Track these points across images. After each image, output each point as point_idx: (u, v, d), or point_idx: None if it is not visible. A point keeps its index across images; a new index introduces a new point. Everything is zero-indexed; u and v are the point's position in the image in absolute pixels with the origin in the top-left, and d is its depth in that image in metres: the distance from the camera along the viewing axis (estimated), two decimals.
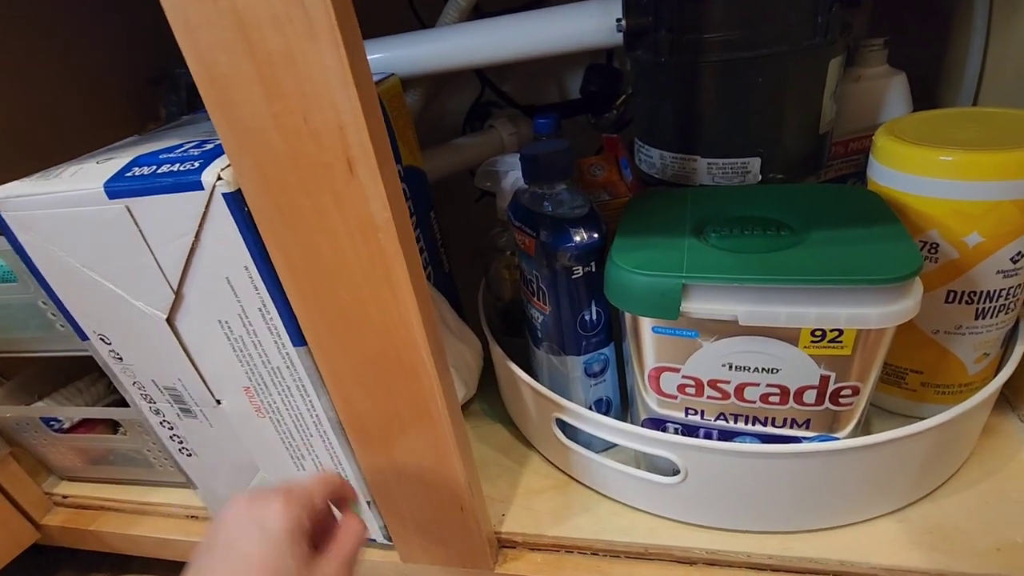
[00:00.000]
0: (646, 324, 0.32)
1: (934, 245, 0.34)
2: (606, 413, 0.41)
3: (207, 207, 0.26)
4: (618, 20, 0.40)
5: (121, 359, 0.35)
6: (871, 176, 0.37)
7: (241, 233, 0.27)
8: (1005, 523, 0.34)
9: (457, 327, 0.47)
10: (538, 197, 0.36)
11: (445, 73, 0.50)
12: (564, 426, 0.40)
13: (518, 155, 0.41)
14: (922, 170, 0.33)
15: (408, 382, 0.30)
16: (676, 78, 0.39)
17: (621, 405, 0.41)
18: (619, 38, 0.41)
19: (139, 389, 0.36)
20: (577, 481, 0.42)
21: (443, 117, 0.72)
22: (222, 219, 0.27)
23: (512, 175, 0.45)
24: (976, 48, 0.45)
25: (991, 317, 0.35)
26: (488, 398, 0.50)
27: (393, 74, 0.43)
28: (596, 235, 0.34)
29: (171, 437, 0.39)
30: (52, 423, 0.47)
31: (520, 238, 0.37)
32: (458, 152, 0.58)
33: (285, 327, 0.30)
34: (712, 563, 0.36)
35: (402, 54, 0.47)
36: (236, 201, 0.26)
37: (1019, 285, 0.34)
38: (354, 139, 0.23)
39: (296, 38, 0.21)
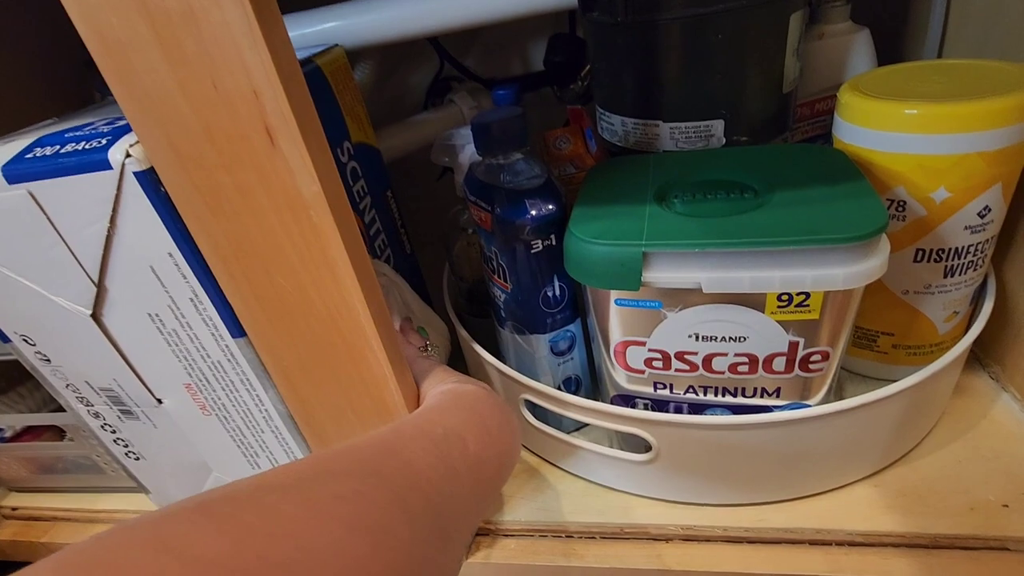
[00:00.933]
0: (609, 297, 0.30)
1: (901, 203, 0.33)
2: (575, 392, 0.39)
3: (119, 188, 0.24)
4: None
5: (49, 360, 0.32)
6: (836, 134, 0.35)
7: (160, 216, 0.24)
8: (978, 482, 0.34)
9: (421, 311, 0.45)
10: (493, 169, 0.34)
11: (397, 45, 0.47)
12: (533, 407, 0.38)
13: None
14: (887, 125, 0.32)
15: (357, 369, 0.28)
16: (633, 39, 0.37)
17: (591, 384, 0.40)
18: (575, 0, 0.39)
19: (73, 392, 0.34)
20: (549, 463, 0.41)
21: (404, 95, 0.69)
22: (137, 201, 0.24)
23: (469, 148, 0.43)
24: (939, 0, 0.43)
25: (960, 274, 0.34)
26: None
27: (337, 45, 0.40)
28: (554, 206, 0.32)
29: (115, 441, 0.36)
30: None
31: (476, 213, 0.35)
32: (417, 129, 0.55)
33: (221, 318, 0.28)
34: (688, 538, 0.36)
35: (346, 24, 0.45)
36: (150, 181, 0.24)
37: (987, 240, 0.34)
38: (271, 106, 0.21)
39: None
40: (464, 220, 0.48)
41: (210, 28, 0.20)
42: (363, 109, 0.42)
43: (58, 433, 0.46)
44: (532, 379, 0.37)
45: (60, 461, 0.45)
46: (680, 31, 0.35)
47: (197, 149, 0.22)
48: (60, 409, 0.40)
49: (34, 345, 0.31)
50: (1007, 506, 0.33)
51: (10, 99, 0.52)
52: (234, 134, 0.22)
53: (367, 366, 0.28)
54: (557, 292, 0.35)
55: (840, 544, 0.33)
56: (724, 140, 0.38)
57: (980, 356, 0.42)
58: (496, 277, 0.36)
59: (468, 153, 0.43)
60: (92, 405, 0.34)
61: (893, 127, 0.32)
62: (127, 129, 0.24)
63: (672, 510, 0.36)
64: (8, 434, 0.45)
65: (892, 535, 0.33)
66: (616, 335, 0.31)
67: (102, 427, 0.36)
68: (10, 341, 0.32)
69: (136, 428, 0.35)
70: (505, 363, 0.38)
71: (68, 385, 0.33)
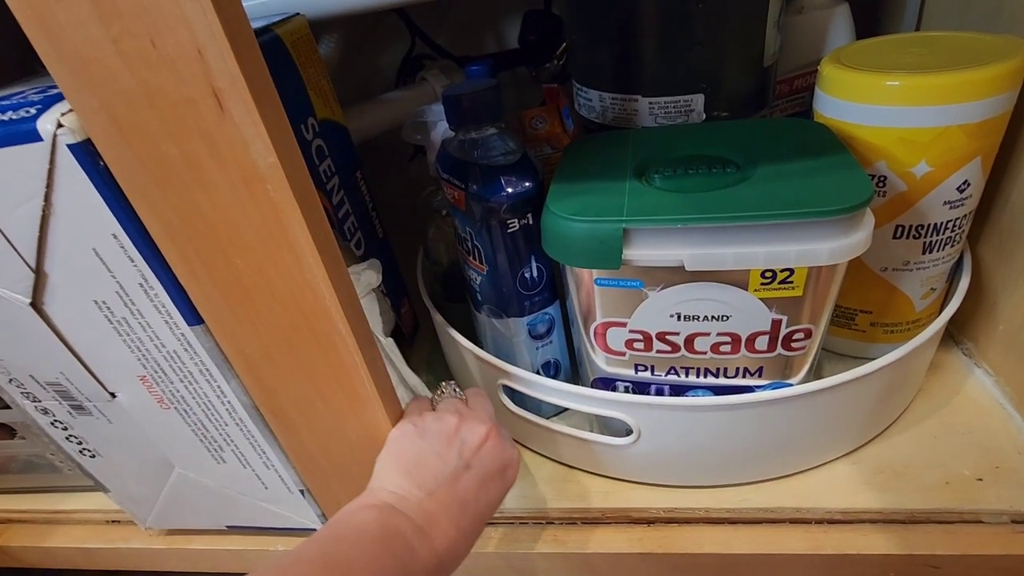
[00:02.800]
0: (588, 276, 0.29)
1: (882, 178, 0.33)
2: (555, 377, 0.38)
3: (51, 162, 0.22)
4: None
5: None
6: (817, 108, 0.35)
7: (100, 193, 0.22)
8: (953, 456, 0.34)
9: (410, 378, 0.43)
10: (467, 144, 0.32)
11: (365, 19, 0.45)
12: (512, 393, 0.37)
13: None
14: (868, 97, 0.31)
15: (325, 356, 0.27)
16: (611, 10, 0.36)
17: (571, 367, 0.39)
18: None
19: (18, 387, 0.31)
20: (530, 449, 0.40)
21: (374, 73, 0.67)
22: (73, 176, 0.22)
23: (442, 126, 0.41)
24: None
25: (938, 251, 0.34)
26: (436, 369, 0.47)
27: (298, 14, 0.38)
28: (530, 183, 0.31)
29: (68, 438, 0.34)
30: None
31: (449, 191, 0.33)
32: (387, 107, 0.53)
33: (175, 304, 0.26)
34: (670, 521, 0.35)
35: None
36: (87, 153, 0.21)
37: (965, 216, 0.34)
38: (218, 66, 0.19)
39: None
40: (438, 201, 0.47)
41: None
42: (329, 85, 0.40)
43: (8, 432, 0.43)
44: (510, 364, 0.36)
45: (12, 461, 0.43)
46: (659, 1, 0.34)
47: (138, 116, 0.20)
48: (6, 406, 0.38)
49: None
50: (981, 480, 0.33)
51: None
52: (178, 98, 0.20)
53: (335, 352, 0.27)
54: (535, 273, 0.34)
55: (820, 522, 0.33)
56: (704, 115, 0.37)
57: (953, 333, 0.42)
58: (471, 259, 0.35)
59: (441, 131, 0.41)
60: (39, 401, 0.32)
61: (875, 100, 0.31)
62: (60, 97, 0.22)
63: (654, 493, 0.36)
64: None
65: (870, 511, 0.33)
66: (596, 316, 0.30)
67: (52, 424, 0.33)
68: None
69: (89, 424, 0.33)
70: (482, 348, 0.37)
71: (11, 380, 0.31)
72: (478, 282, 0.36)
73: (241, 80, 0.19)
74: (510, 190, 0.30)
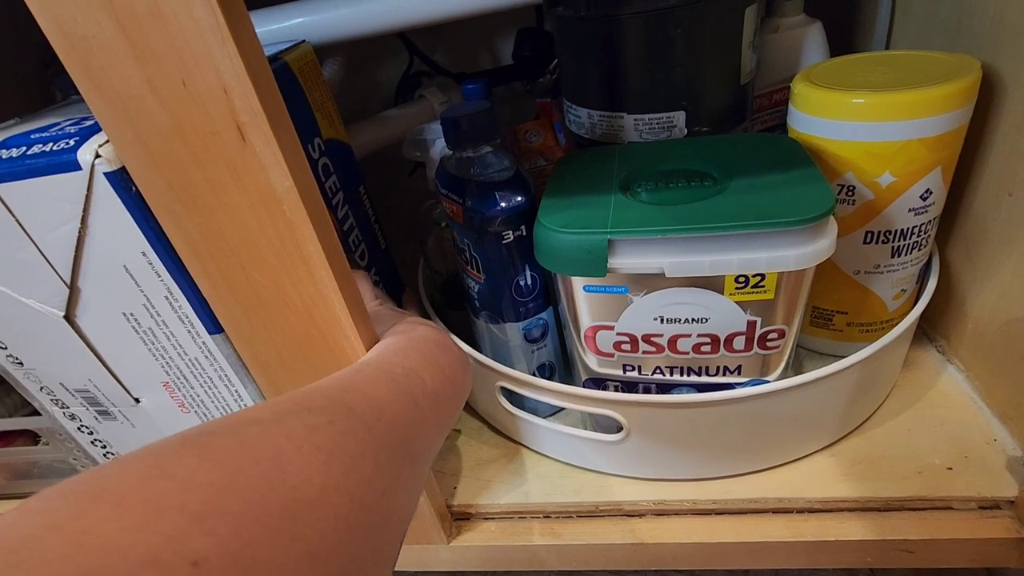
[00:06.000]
0: (577, 284, 0.31)
1: (851, 188, 0.35)
2: (550, 378, 0.40)
3: (89, 189, 0.24)
4: None
5: (22, 364, 0.32)
6: (790, 124, 0.37)
7: (132, 215, 0.25)
8: (925, 448, 0.37)
9: None
10: (464, 162, 0.34)
11: (365, 40, 0.47)
12: (510, 394, 0.39)
13: None
14: (836, 114, 0.34)
15: (336, 363, 0.29)
16: (597, 34, 0.38)
17: (564, 369, 0.42)
18: None
19: (48, 394, 0.34)
20: (526, 447, 0.42)
21: (373, 90, 0.69)
22: (108, 201, 0.24)
23: (440, 142, 0.44)
24: None
25: (906, 254, 0.37)
26: None
27: (304, 41, 0.41)
28: (523, 198, 0.33)
29: (93, 442, 0.36)
30: None
31: (448, 206, 0.36)
32: (387, 125, 0.56)
33: (197, 315, 0.28)
34: (660, 513, 0.37)
35: (313, 20, 0.45)
36: (121, 180, 0.24)
37: (930, 221, 0.36)
38: (242, 103, 0.21)
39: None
40: (437, 214, 0.49)
41: (178, 25, 0.20)
42: (333, 105, 0.43)
43: (32, 438, 0.45)
44: (507, 367, 0.38)
45: (35, 466, 0.45)
46: (641, 26, 0.36)
47: (168, 147, 0.23)
48: (35, 413, 0.40)
49: (5, 348, 0.31)
50: (951, 469, 0.35)
51: None
52: (205, 131, 0.22)
53: (345, 357, 0.29)
54: (529, 281, 0.36)
55: (800, 511, 0.36)
56: (686, 130, 0.39)
57: (927, 331, 0.44)
58: (469, 268, 0.37)
59: (439, 147, 0.44)
60: (68, 407, 0.34)
61: (841, 116, 0.33)
62: (95, 129, 0.25)
63: (645, 487, 0.38)
64: None
65: (847, 500, 0.35)
66: (586, 320, 0.33)
67: (79, 429, 0.36)
68: None
69: (114, 428, 0.35)
70: (480, 352, 0.39)
71: (43, 388, 0.33)
72: (476, 290, 0.38)
73: (261, 114, 0.22)
74: (504, 204, 0.33)
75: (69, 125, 0.26)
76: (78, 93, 0.39)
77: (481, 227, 0.34)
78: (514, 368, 0.38)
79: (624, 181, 0.33)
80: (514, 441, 0.43)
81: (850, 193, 0.35)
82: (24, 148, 0.25)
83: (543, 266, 0.32)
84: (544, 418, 0.39)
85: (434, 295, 0.50)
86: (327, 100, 0.42)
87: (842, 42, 0.49)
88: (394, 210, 0.54)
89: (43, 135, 0.25)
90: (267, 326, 0.28)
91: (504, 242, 0.34)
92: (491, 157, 0.34)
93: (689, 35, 0.36)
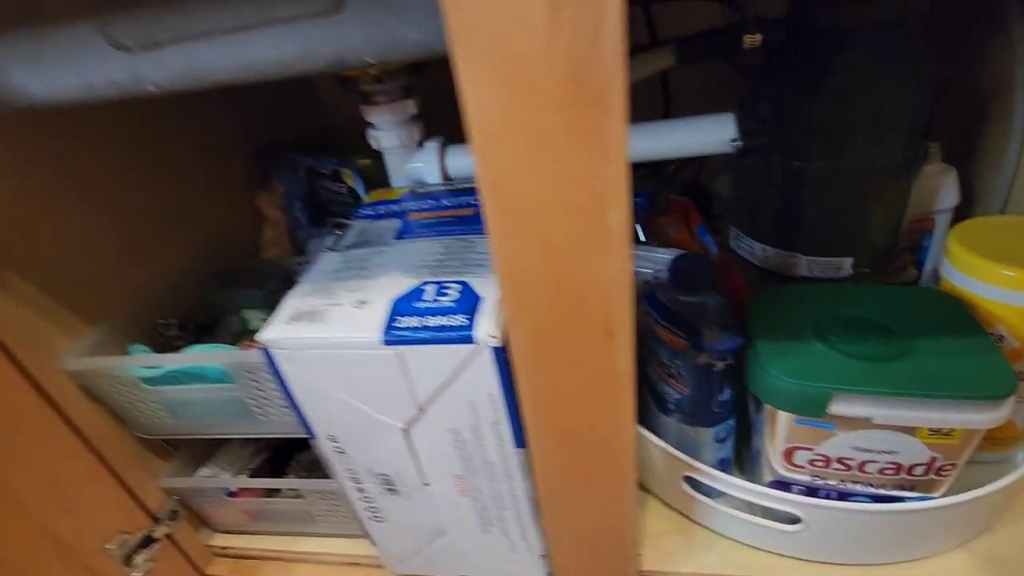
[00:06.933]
0: (787, 415, 0.39)
1: (999, 336, 0.43)
2: (724, 469, 0.49)
3: (473, 356, 0.33)
4: (732, 140, 0.47)
5: (343, 452, 0.41)
6: (945, 275, 0.45)
7: (499, 374, 0.33)
8: None
9: None
10: (684, 304, 0.43)
11: None
12: (692, 481, 0.48)
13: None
14: (989, 279, 0.42)
15: (605, 478, 0.37)
16: (784, 185, 0.46)
17: (735, 459, 0.50)
18: (729, 147, 0.48)
19: (350, 473, 0.42)
20: (696, 523, 0.50)
21: None
22: (484, 365, 0.33)
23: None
24: (1013, 147, 0.53)
25: None
26: None
27: None
28: (739, 339, 0.41)
29: (367, 508, 0.45)
30: (224, 488, 0.52)
31: (666, 335, 0.44)
32: None
33: (512, 435, 0.37)
34: None
35: None
36: (501, 351, 0.32)
37: None
38: (617, 317, 0.30)
39: (591, 253, 0.28)
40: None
41: (596, 269, 0.28)
42: None
43: (268, 489, 0.54)
44: (692, 459, 0.46)
45: (281, 514, 0.54)
46: (825, 184, 0.45)
47: (549, 337, 0.31)
48: (271, 463, 0.49)
49: (336, 443, 0.40)
50: None
51: (185, 186, 0.60)
52: (584, 333, 0.31)
53: (615, 477, 0.37)
54: (727, 397, 0.44)
55: None
56: (851, 271, 0.47)
57: None
58: (673, 381, 0.46)
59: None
60: (361, 483, 0.43)
61: (994, 282, 0.41)
62: (468, 302, 0.33)
63: (811, 568, 0.46)
64: (234, 489, 0.53)
65: None
66: (788, 441, 0.41)
67: (361, 498, 0.44)
68: (316, 437, 0.40)
69: (392, 501, 0.44)
70: (664, 440, 0.48)
71: (348, 469, 0.42)
72: (674, 398, 0.46)
73: (626, 323, 0.30)
74: (724, 347, 0.41)
75: (438, 295, 0.35)
76: (303, 192, 0.46)
77: (699, 360, 0.42)
78: (700, 461, 0.46)
79: (816, 327, 0.42)
80: (684, 516, 0.51)
81: (999, 340, 0.43)
82: (418, 318, 0.33)
83: (764, 401, 0.40)
84: (712, 499, 0.48)
85: None
86: None
87: (967, 186, 0.56)
88: None
89: (427, 305, 0.34)
90: (562, 450, 0.36)
91: (715, 370, 0.42)
92: (712, 302, 0.42)
93: (866, 199, 0.44)
